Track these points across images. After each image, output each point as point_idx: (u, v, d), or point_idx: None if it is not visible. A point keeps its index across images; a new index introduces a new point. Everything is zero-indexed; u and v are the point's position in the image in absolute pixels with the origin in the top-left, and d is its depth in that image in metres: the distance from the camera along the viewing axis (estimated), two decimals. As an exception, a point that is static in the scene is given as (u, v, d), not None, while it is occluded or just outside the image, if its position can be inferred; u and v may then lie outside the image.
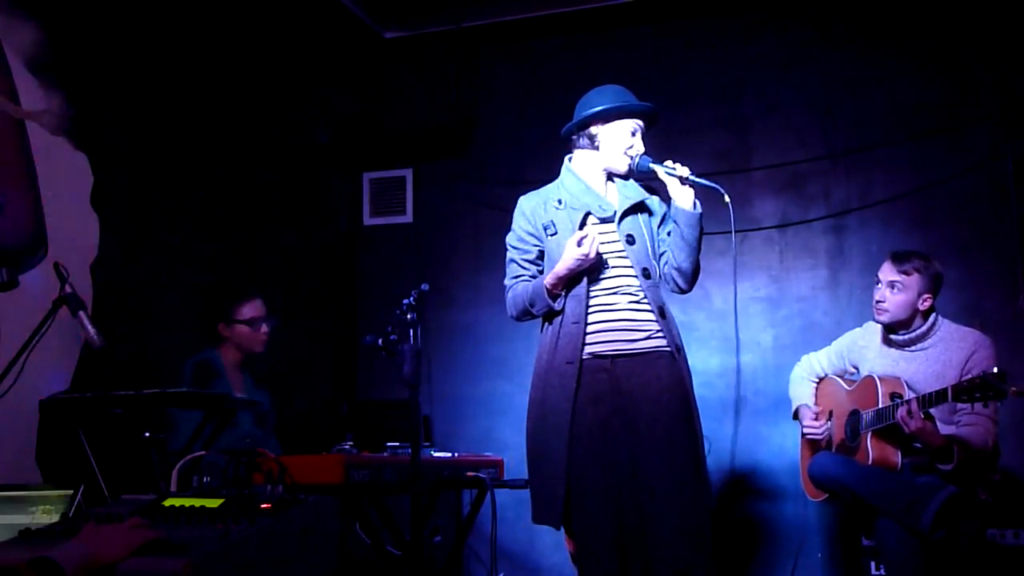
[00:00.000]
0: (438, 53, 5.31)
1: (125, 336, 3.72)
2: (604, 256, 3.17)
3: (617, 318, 3.15)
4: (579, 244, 3.05)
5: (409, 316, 3.11)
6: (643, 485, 3.02)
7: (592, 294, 3.17)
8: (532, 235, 3.30)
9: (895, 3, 4.89)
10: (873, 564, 3.73)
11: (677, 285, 3.28)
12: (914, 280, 3.63)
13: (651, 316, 3.17)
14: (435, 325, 5.32)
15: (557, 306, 3.17)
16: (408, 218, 5.66)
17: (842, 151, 4.94)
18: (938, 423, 3.50)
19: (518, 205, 3.35)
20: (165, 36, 4.26)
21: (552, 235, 3.25)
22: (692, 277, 3.26)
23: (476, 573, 5.02)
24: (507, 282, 3.34)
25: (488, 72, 5.51)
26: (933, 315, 3.68)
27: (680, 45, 5.27)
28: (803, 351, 4.18)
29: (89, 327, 3.07)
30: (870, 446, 3.59)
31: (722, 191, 3.16)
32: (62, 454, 3.38)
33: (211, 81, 4.56)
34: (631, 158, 3.25)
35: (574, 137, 3.33)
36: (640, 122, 3.29)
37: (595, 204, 3.25)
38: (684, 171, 3.16)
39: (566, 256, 3.09)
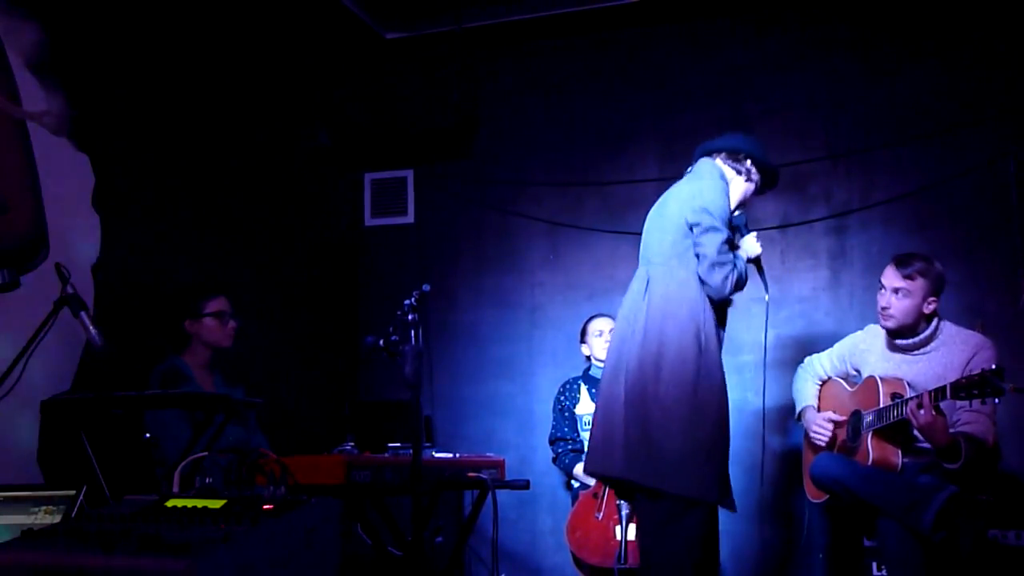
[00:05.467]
0: (440, 54, 5.31)
1: (126, 337, 3.72)
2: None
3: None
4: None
5: (410, 317, 3.11)
6: None
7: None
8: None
9: (897, 4, 4.89)
10: (875, 565, 3.74)
11: None
12: (919, 284, 3.63)
13: None
14: (436, 326, 5.32)
15: None
16: (410, 219, 5.66)
17: (843, 152, 4.94)
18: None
19: (716, 187, 3.40)
20: (166, 37, 4.26)
21: (743, 237, 3.52)
22: None
23: (478, 574, 5.01)
24: (724, 258, 3.31)
25: (489, 73, 5.51)
26: (936, 319, 3.68)
27: (680, 46, 5.27)
28: (804, 352, 4.19)
29: (90, 328, 3.08)
30: (871, 446, 3.59)
31: (767, 291, 3.55)
32: (64, 455, 3.38)
33: (212, 82, 4.56)
34: (741, 208, 3.55)
35: (731, 159, 3.51)
36: None
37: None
38: (759, 250, 3.54)
39: (757, 248, 3.52)
